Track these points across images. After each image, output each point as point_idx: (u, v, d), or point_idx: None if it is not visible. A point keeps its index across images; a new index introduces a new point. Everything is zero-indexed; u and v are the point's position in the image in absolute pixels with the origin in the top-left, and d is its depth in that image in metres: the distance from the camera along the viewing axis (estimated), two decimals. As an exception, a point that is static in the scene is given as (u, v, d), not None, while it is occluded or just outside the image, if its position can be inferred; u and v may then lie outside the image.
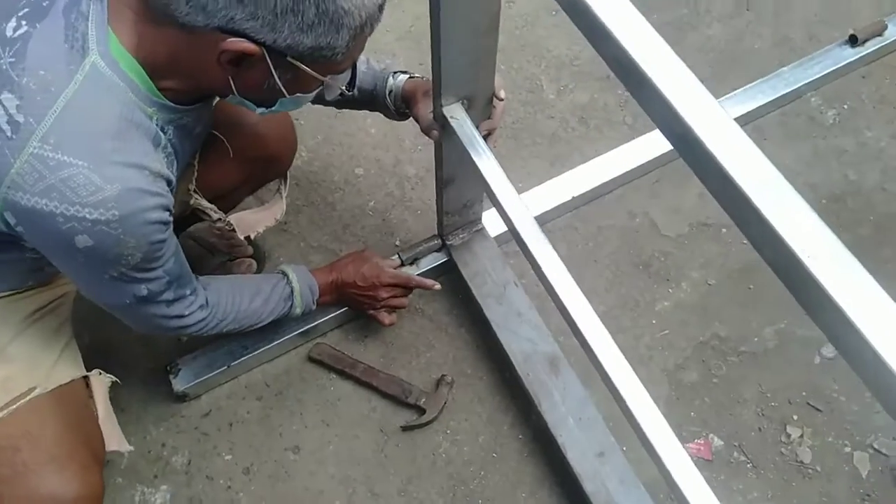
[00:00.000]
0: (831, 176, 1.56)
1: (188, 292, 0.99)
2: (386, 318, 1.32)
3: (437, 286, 1.34)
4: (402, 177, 1.58)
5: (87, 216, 0.74)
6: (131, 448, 1.10)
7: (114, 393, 1.34)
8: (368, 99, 1.17)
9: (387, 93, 1.13)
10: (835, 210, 1.52)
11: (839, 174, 1.56)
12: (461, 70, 0.98)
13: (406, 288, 1.33)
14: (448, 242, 1.41)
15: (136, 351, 1.40)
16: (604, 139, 1.62)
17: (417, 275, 1.39)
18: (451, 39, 0.92)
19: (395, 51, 1.75)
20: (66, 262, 0.84)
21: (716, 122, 0.57)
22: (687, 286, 1.45)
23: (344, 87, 0.91)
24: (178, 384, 1.31)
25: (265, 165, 1.26)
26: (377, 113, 1.21)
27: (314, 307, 1.25)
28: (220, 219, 1.23)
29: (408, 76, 1.13)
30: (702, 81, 1.78)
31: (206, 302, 1.04)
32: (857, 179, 1.56)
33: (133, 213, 0.77)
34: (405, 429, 1.31)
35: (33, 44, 0.73)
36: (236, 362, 1.34)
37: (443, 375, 1.34)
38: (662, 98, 0.60)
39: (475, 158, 1.02)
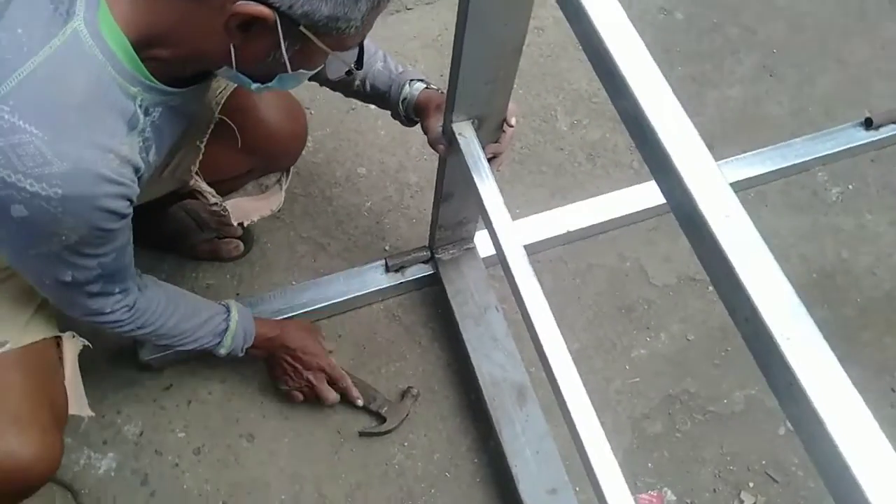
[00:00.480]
0: (825, 252, 1.57)
1: (116, 290, 0.93)
2: (330, 395, 1.26)
3: (360, 402, 1.28)
4: (403, 183, 1.58)
5: (28, 187, 0.69)
6: (92, 414, 1.08)
7: (79, 349, 1.34)
8: (379, 98, 1.16)
9: (400, 98, 1.12)
10: (823, 286, 1.52)
11: (833, 252, 1.57)
12: (477, 90, 0.98)
13: (332, 382, 1.27)
14: (437, 256, 1.41)
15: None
16: (608, 179, 1.62)
17: (402, 283, 1.39)
18: (471, 58, 0.91)
19: (419, 58, 1.75)
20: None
21: (711, 184, 0.56)
22: (665, 337, 1.45)
23: (352, 66, 0.87)
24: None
25: (271, 159, 1.26)
26: (388, 116, 1.20)
27: (241, 354, 1.18)
28: (216, 203, 1.22)
29: (424, 86, 1.12)
30: (713, 139, 1.79)
31: (133, 305, 0.97)
32: (849, 259, 1.57)
33: (79, 197, 0.72)
34: (362, 434, 1.30)
35: (18, 1, 0.70)
36: (206, 340, 1.33)
37: (409, 388, 1.33)
38: (661, 147, 0.59)
39: (476, 179, 1.02)
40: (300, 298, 1.38)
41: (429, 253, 1.42)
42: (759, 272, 0.50)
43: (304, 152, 1.58)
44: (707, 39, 1.86)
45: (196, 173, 1.15)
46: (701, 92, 1.78)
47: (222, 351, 1.15)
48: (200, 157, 1.13)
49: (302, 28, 0.72)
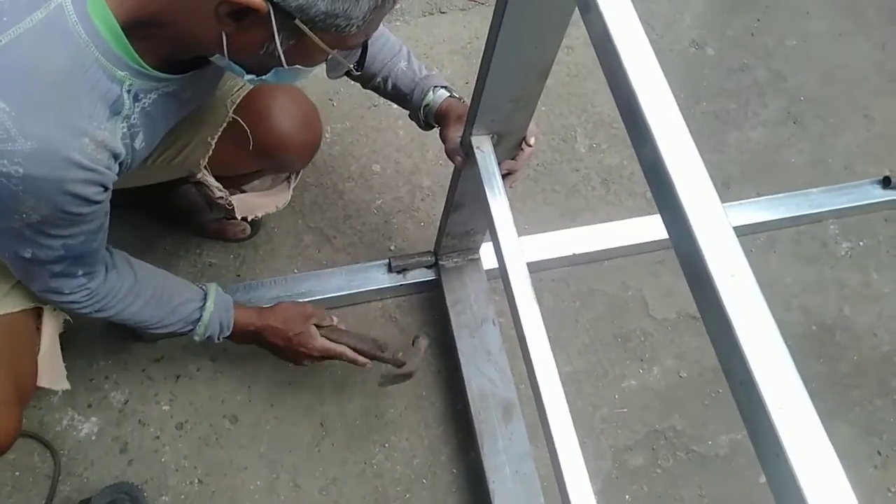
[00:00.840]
0: (827, 306, 1.56)
1: (80, 272, 0.89)
2: (360, 360, 1.18)
3: (369, 365, 1.20)
4: (415, 185, 1.58)
5: None
6: (68, 386, 1.08)
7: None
8: (400, 98, 1.14)
9: (423, 104, 1.11)
10: (821, 339, 1.52)
11: (835, 306, 1.56)
12: (500, 107, 0.98)
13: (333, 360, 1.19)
14: (441, 262, 1.41)
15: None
16: (620, 206, 1.62)
17: (403, 285, 1.39)
18: (498, 75, 0.91)
19: (446, 62, 1.75)
20: None
21: (722, 242, 0.56)
22: (658, 371, 1.45)
23: (352, 67, 0.85)
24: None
25: (281, 163, 1.25)
26: (408, 116, 1.19)
27: (217, 342, 1.13)
28: (222, 196, 1.21)
29: (447, 94, 1.11)
30: (730, 179, 1.79)
31: (94, 288, 0.93)
32: (851, 316, 1.56)
33: (43, 178, 0.69)
34: (383, 383, 1.21)
35: None
36: (202, 318, 1.33)
37: (416, 336, 1.25)
38: (669, 182, 0.59)
39: (489, 195, 1.02)
40: (300, 287, 1.39)
41: (433, 258, 1.42)
42: (759, 339, 0.49)
43: (322, 136, 1.59)
44: (735, 78, 1.85)
45: (205, 167, 1.15)
46: (723, 130, 1.77)
47: (196, 338, 1.10)
48: (210, 152, 1.12)
49: (297, 22, 0.69)
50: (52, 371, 1.05)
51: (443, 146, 1.11)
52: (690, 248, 0.55)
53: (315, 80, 1.66)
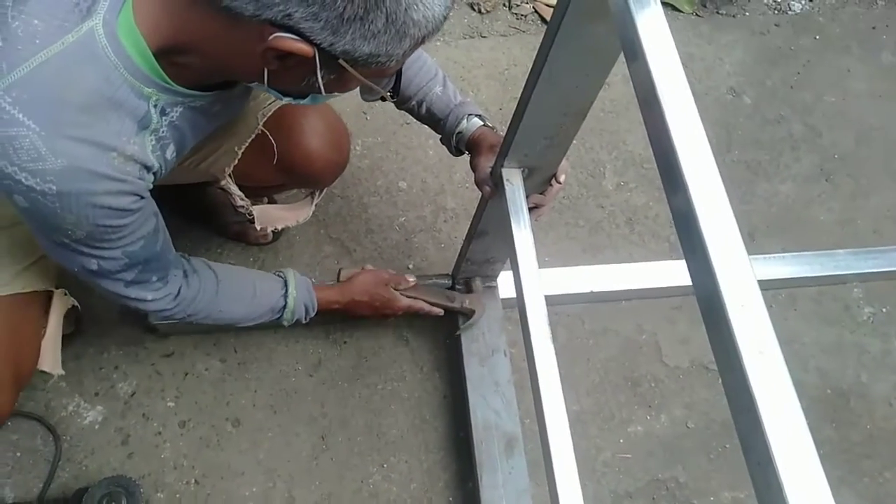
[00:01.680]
0: (845, 371, 1.53)
1: (154, 278, 0.91)
2: (434, 310, 1.31)
3: (441, 312, 1.32)
4: (440, 206, 1.59)
5: (23, 180, 0.68)
6: (62, 372, 1.09)
7: (92, 301, 1.36)
8: (432, 122, 1.16)
9: (456, 130, 1.12)
10: (835, 404, 1.49)
11: (853, 372, 1.54)
12: (534, 142, 0.98)
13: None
14: (458, 287, 1.41)
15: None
16: (643, 247, 1.61)
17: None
18: (536, 112, 0.92)
19: (482, 87, 1.76)
20: (13, 207, 0.75)
21: (742, 284, 0.55)
22: (666, 420, 1.42)
23: (387, 93, 0.86)
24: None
25: (306, 181, 1.26)
26: (440, 140, 1.20)
27: (305, 322, 1.18)
28: (243, 205, 1.22)
29: (481, 123, 1.12)
30: (755, 231, 1.77)
31: (178, 293, 0.97)
32: (868, 383, 1.53)
33: (74, 193, 0.71)
34: (458, 334, 1.34)
35: None
36: (216, 318, 1.34)
37: (469, 278, 1.36)
38: (698, 230, 0.58)
39: (514, 228, 1.01)
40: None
41: (450, 281, 1.41)
42: (783, 425, 0.48)
43: (351, 154, 1.60)
44: (770, 130, 1.84)
45: (230, 175, 1.16)
46: (753, 181, 1.76)
47: (285, 324, 1.16)
48: (236, 161, 1.13)
49: (341, 61, 0.70)
50: (53, 354, 1.06)
51: (471, 171, 1.11)
52: (704, 271, 0.54)
53: (350, 94, 1.68)
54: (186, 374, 1.33)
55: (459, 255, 1.34)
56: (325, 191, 1.33)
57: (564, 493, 0.90)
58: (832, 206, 1.75)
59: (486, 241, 1.24)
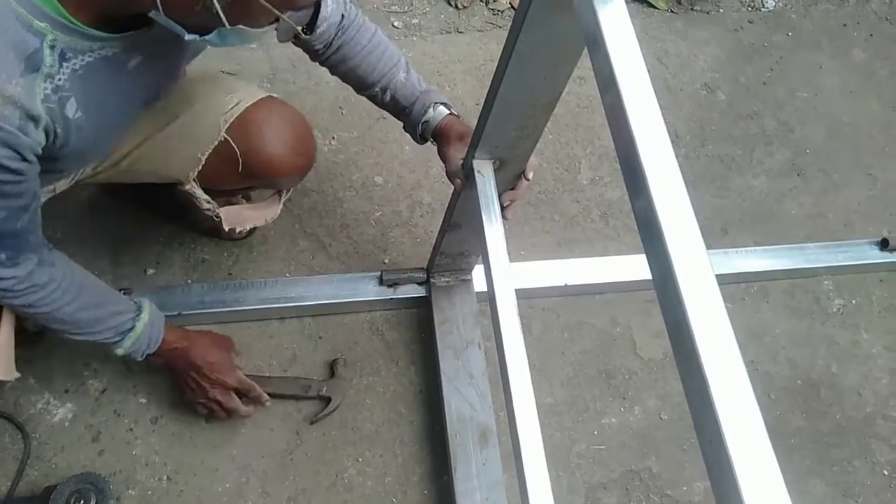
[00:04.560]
0: (815, 361, 1.56)
1: (3, 256, 0.83)
2: (241, 410, 1.21)
3: (268, 403, 1.25)
4: (415, 201, 1.58)
5: None
6: (18, 374, 1.05)
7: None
8: (397, 110, 1.13)
9: (422, 119, 1.10)
10: (806, 394, 1.51)
11: (823, 363, 1.56)
12: (504, 134, 0.98)
13: (242, 394, 1.22)
14: (432, 280, 1.41)
15: (103, 265, 1.39)
16: (617, 241, 1.62)
17: (392, 299, 1.39)
18: (505, 103, 0.92)
19: (458, 82, 1.76)
20: None
21: (697, 269, 0.55)
22: (639, 411, 1.44)
23: (300, 30, 0.80)
24: None
25: (271, 184, 1.25)
26: (403, 128, 1.17)
27: (139, 359, 1.10)
28: (209, 209, 1.20)
29: (448, 112, 1.10)
30: (728, 225, 1.79)
31: (26, 277, 0.87)
32: (837, 374, 1.55)
33: None
34: (314, 422, 1.30)
35: None
36: (188, 313, 1.33)
37: (335, 359, 1.35)
38: (657, 225, 0.58)
39: (485, 220, 1.02)
40: (290, 292, 1.39)
41: (425, 275, 1.42)
42: (734, 402, 0.49)
43: (325, 150, 1.60)
44: (743, 125, 1.86)
45: (194, 180, 1.14)
46: (726, 175, 1.78)
47: (119, 351, 1.06)
48: (199, 167, 1.11)
49: None
50: (6, 362, 1.02)
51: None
52: (663, 266, 0.55)
53: (327, 87, 1.68)
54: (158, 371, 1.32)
55: (434, 248, 1.35)
56: (292, 189, 1.32)
57: (533, 484, 0.90)
58: (804, 201, 1.78)
59: (459, 234, 1.25)
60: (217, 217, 1.22)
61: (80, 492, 1.12)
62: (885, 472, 1.45)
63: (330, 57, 1.09)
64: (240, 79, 1.20)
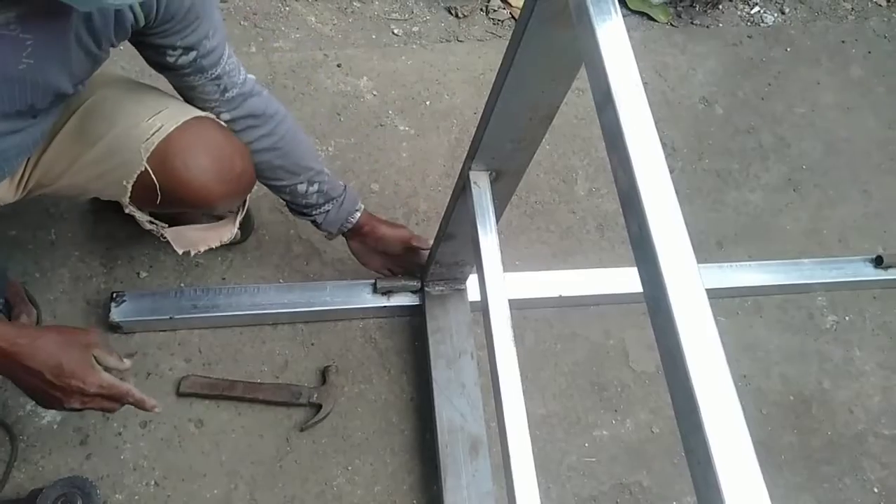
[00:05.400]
0: (807, 377, 1.56)
1: None
2: (148, 402, 1.01)
3: (158, 410, 1.03)
4: (412, 209, 1.58)
5: None
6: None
7: (54, 296, 1.34)
8: (316, 203, 1.20)
9: (354, 209, 1.19)
10: (797, 410, 1.51)
11: (815, 379, 1.56)
12: (501, 145, 0.98)
13: (116, 399, 0.98)
14: (426, 289, 1.40)
15: (95, 267, 1.38)
16: (612, 253, 1.62)
17: (386, 307, 1.39)
18: (503, 115, 0.92)
19: (457, 91, 1.76)
20: None
21: (688, 286, 0.55)
22: (631, 424, 1.43)
23: None
24: (116, 314, 1.29)
25: (205, 210, 1.17)
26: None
27: None
28: (153, 229, 1.14)
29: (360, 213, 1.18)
30: (724, 239, 1.79)
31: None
32: (830, 390, 1.55)
33: None
34: (305, 429, 1.29)
35: None
36: (180, 317, 1.32)
37: (327, 366, 1.34)
38: (650, 243, 0.58)
39: (479, 231, 1.02)
40: (283, 298, 1.38)
41: (419, 284, 1.41)
42: (723, 427, 0.49)
43: (322, 157, 1.60)
44: (740, 139, 1.87)
45: (129, 202, 1.07)
46: (722, 189, 1.78)
47: None
48: (128, 195, 1.04)
49: None
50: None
51: (444, 170, 1.10)
52: (655, 281, 0.55)
53: (326, 94, 1.68)
54: (149, 374, 1.31)
55: (428, 257, 1.34)
56: (246, 206, 1.21)
57: (523, 496, 0.90)
58: (799, 216, 1.78)
59: (454, 244, 1.25)
60: (164, 238, 1.15)
61: (66, 495, 1.11)
62: (876, 490, 1.45)
63: (238, 120, 1.08)
64: (170, 96, 1.08)
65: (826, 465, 1.46)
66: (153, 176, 1.01)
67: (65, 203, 1.43)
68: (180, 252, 1.17)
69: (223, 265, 1.44)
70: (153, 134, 1.01)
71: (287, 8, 1.82)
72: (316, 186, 1.14)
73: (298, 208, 1.24)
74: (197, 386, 1.29)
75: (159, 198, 1.03)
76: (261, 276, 1.45)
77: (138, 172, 1.02)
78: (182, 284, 1.40)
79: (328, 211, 1.23)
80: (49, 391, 0.92)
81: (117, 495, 1.21)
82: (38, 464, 1.21)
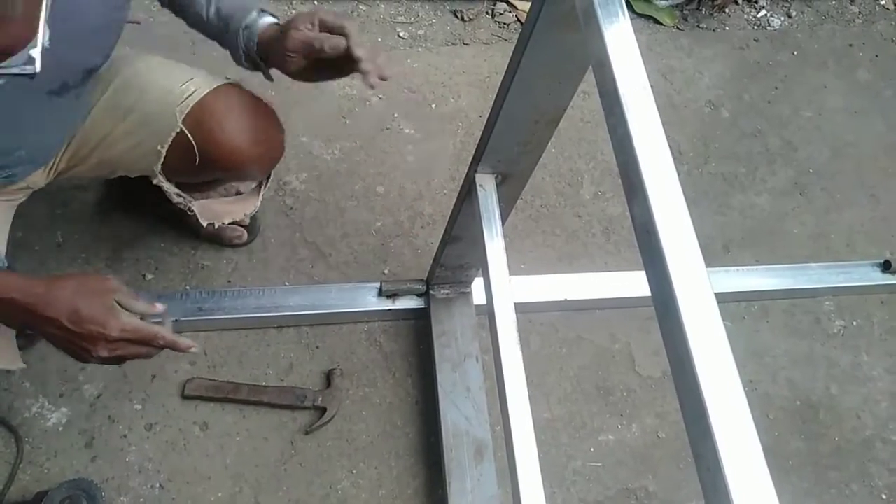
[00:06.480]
0: (815, 383, 1.55)
1: None
2: (182, 343, 0.94)
3: (194, 348, 0.96)
4: (417, 211, 1.58)
5: None
6: (24, 365, 1.02)
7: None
8: (221, 26, 1.00)
9: (243, 25, 0.97)
10: (804, 416, 1.50)
11: (822, 384, 1.55)
12: (508, 148, 0.98)
13: (146, 343, 0.91)
14: (432, 292, 1.40)
15: (101, 269, 1.39)
16: (618, 257, 1.62)
17: (391, 310, 1.38)
18: (509, 118, 0.92)
19: (462, 93, 1.76)
20: None
21: (697, 291, 0.55)
22: (637, 429, 1.43)
23: None
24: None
25: (237, 177, 1.19)
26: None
27: None
28: (181, 202, 1.15)
29: (274, 21, 0.98)
30: (730, 242, 1.78)
31: None
32: (837, 396, 1.54)
33: None
34: (309, 432, 1.29)
35: None
36: (186, 319, 1.33)
37: (332, 369, 1.34)
38: (658, 245, 0.58)
39: (486, 234, 1.02)
40: (288, 301, 1.38)
41: (424, 287, 1.41)
42: (733, 433, 0.48)
43: (328, 159, 1.60)
44: (747, 143, 1.86)
45: (160, 172, 1.09)
46: (729, 193, 1.77)
47: None
48: (161, 160, 1.07)
49: None
50: (10, 351, 1.00)
51: (451, 173, 1.08)
52: (664, 287, 0.54)
53: (332, 96, 1.69)
54: (154, 377, 1.31)
55: (434, 260, 1.34)
56: (270, 180, 1.24)
57: (528, 500, 0.90)
58: (806, 220, 1.77)
59: (459, 247, 1.24)
60: (190, 211, 1.17)
61: (71, 498, 1.11)
62: (884, 497, 1.44)
63: None
64: (199, 68, 1.09)
65: (833, 470, 1.45)
66: (189, 136, 1.02)
67: (72, 205, 1.43)
68: (205, 224, 1.18)
69: (229, 267, 1.44)
70: (187, 98, 1.03)
71: (292, 12, 1.83)
72: (213, 7, 1.00)
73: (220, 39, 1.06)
74: (202, 389, 1.29)
75: (197, 158, 1.04)
76: (266, 278, 1.45)
77: (174, 134, 1.04)
78: (187, 287, 1.40)
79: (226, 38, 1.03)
80: (73, 340, 0.88)
81: (122, 498, 1.21)
82: (43, 466, 1.21)
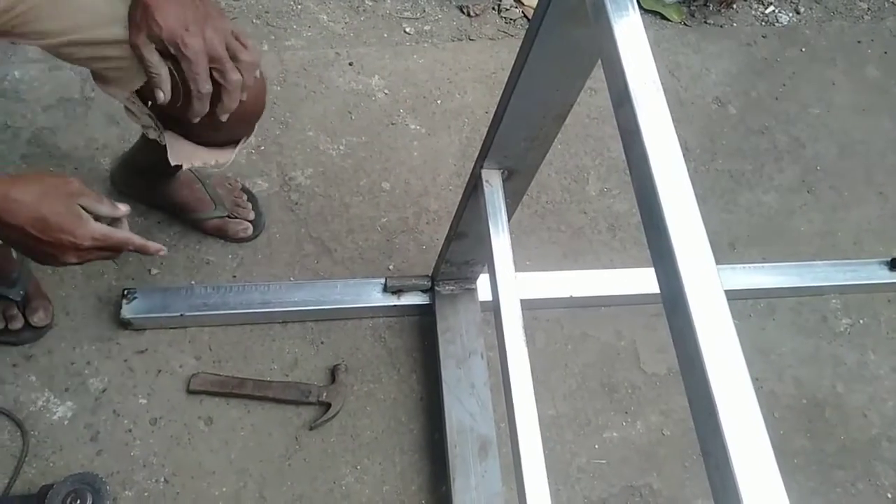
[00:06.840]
0: (821, 381, 1.54)
1: None
2: (152, 247, 0.91)
3: (163, 252, 0.94)
4: (422, 207, 1.58)
5: None
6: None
7: (66, 292, 1.34)
8: None
9: None
10: (810, 414, 1.50)
11: (829, 382, 1.54)
12: (514, 144, 0.98)
13: (115, 249, 0.89)
14: (437, 288, 1.40)
15: (106, 263, 1.39)
16: (624, 254, 1.61)
17: (396, 306, 1.38)
18: (516, 113, 0.91)
19: (468, 90, 1.76)
20: None
21: (707, 288, 0.54)
22: (642, 426, 1.42)
23: None
24: (127, 311, 1.30)
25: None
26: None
27: None
28: (151, 126, 1.02)
29: None
30: (737, 240, 1.78)
31: None
32: (843, 394, 1.54)
33: None
34: (314, 428, 1.29)
35: None
36: (191, 314, 1.33)
37: (336, 364, 1.34)
38: (668, 241, 0.57)
39: (491, 230, 1.01)
40: (293, 296, 1.38)
41: (429, 283, 1.41)
42: (742, 430, 0.48)
43: (333, 154, 1.60)
44: (754, 140, 1.85)
45: (133, 93, 0.96)
46: (736, 190, 1.76)
47: None
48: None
49: None
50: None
51: (456, 169, 1.07)
52: (673, 282, 0.54)
53: (337, 92, 1.68)
54: (160, 371, 1.31)
55: (439, 256, 1.34)
56: (248, 139, 1.14)
57: (533, 497, 0.89)
58: (813, 218, 1.76)
59: (465, 243, 1.24)
60: (161, 140, 1.05)
61: (76, 492, 1.11)
62: (890, 496, 1.43)
63: None
64: None
65: (839, 469, 1.44)
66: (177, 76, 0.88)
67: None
68: (172, 163, 1.06)
69: (234, 262, 1.44)
70: None
71: (299, 6, 1.82)
72: None
73: None
74: (207, 383, 1.29)
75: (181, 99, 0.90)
76: (271, 273, 1.44)
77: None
78: (192, 282, 1.40)
79: None
80: (39, 247, 0.83)
81: (127, 492, 1.21)
82: (48, 460, 1.21)
